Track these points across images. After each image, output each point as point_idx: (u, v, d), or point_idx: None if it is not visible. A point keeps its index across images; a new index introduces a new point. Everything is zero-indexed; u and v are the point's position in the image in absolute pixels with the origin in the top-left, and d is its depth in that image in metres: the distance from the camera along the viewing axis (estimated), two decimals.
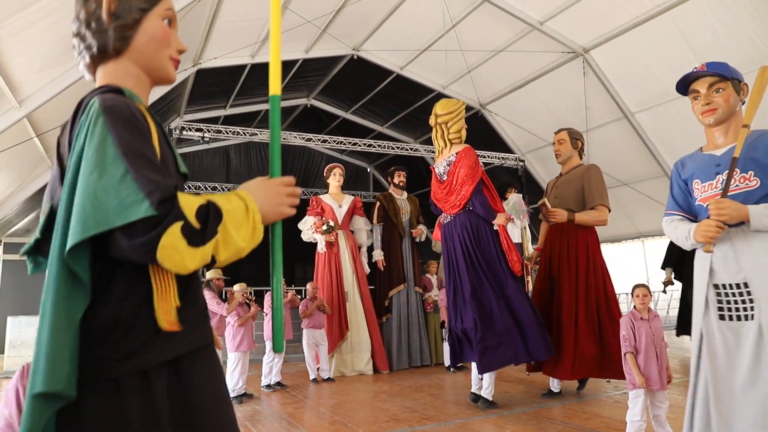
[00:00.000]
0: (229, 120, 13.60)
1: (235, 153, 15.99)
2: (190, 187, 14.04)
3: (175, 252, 1.07)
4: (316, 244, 7.81)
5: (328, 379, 7.05)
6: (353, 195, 8.63)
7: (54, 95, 6.97)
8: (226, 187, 15.31)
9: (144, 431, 1.11)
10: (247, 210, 1.21)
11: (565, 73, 10.58)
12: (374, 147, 12.17)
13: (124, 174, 1.07)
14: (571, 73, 10.48)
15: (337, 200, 7.87)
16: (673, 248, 7.53)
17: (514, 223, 8.45)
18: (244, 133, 10.52)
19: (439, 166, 5.34)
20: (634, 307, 3.66)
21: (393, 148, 12.43)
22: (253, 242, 1.21)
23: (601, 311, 5.06)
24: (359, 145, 12.08)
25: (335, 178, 7.96)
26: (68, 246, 1.07)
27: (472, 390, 5.18)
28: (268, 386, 6.49)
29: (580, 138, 5.51)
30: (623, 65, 9.78)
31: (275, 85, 1.46)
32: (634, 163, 11.17)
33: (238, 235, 1.17)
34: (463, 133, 5.33)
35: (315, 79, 13.05)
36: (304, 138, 11.21)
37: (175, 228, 1.07)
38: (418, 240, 8.19)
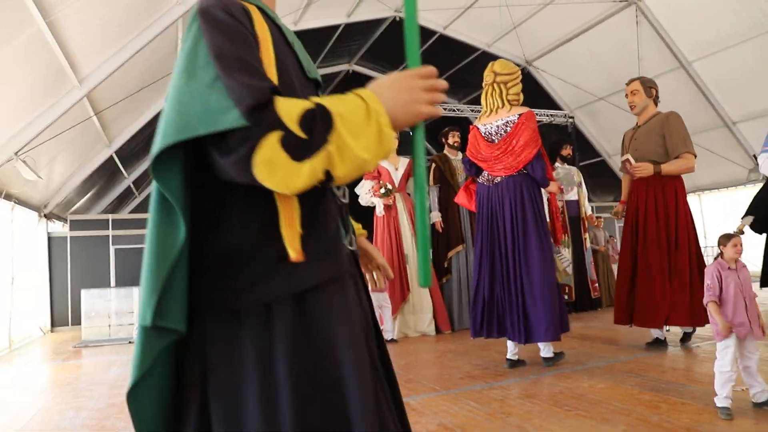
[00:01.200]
0: None
1: None
2: None
3: (275, 168, 0.91)
4: (373, 208, 7.85)
5: (391, 341, 7.15)
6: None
7: (112, 72, 7.10)
8: None
9: (259, 371, 1.01)
10: (368, 112, 0.99)
11: (617, 23, 10.21)
12: None
13: (214, 79, 0.94)
14: (622, 23, 10.11)
15: (393, 163, 7.86)
16: (761, 198, 7.23)
17: (563, 193, 8.36)
18: None
19: (490, 126, 5.18)
20: (721, 256, 3.57)
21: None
22: (380, 152, 1.00)
23: (692, 260, 5.00)
24: None
25: None
26: (150, 160, 0.97)
27: (508, 357, 5.12)
28: None
29: (654, 86, 5.34)
30: (679, 11, 9.37)
31: None
32: (691, 114, 10.73)
33: (358, 144, 0.96)
34: (521, 97, 5.21)
35: (357, 44, 12.94)
36: None
37: (272, 139, 0.91)
38: None
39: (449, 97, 14.90)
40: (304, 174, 0.93)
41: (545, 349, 5.01)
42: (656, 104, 5.36)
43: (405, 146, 17.88)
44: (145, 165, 12.66)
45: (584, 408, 3.65)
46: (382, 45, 12.71)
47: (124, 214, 12.75)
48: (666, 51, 10.08)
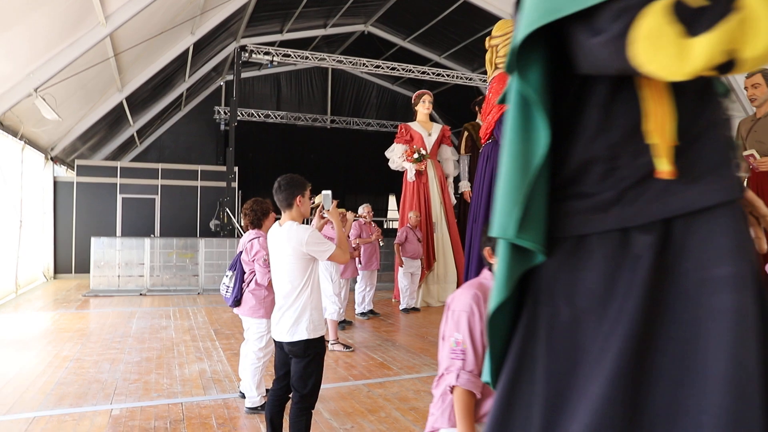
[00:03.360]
0: (284, 45, 13.23)
1: (286, 81, 15.66)
2: (242, 114, 13.87)
3: (660, 44, 0.72)
4: (401, 173, 7.66)
5: (414, 309, 7.04)
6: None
7: (139, 11, 6.70)
8: (277, 115, 15.12)
9: (608, 309, 0.84)
10: None
11: None
12: (428, 75, 11.79)
13: None
14: None
15: (426, 128, 7.64)
16: None
17: None
18: (312, 57, 10.19)
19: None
20: None
21: (447, 76, 12.07)
22: None
23: None
24: (413, 72, 11.70)
25: (424, 105, 7.69)
26: (510, 53, 0.84)
27: None
28: (363, 314, 6.50)
29: None
30: None
31: None
32: None
33: None
34: None
35: (375, 4, 12.52)
36: (355, 63, 10.84)
37: (659, 7, 0.72)
38: None
39: (462, 65, 14.59)
40: (698, 53, 0.70)
41: None
42: None
43: (402, 114, 17.61)
44: (150, 114, 12.20)
45: None
46: (402, 7, 12.31)
47: (133, 163, 12.36)
48: None
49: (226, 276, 3.56)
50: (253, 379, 3.31)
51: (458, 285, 7.59)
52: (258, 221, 3.52)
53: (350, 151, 15.24)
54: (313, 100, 16.04)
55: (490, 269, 1.76)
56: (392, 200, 16.76)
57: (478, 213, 4.91)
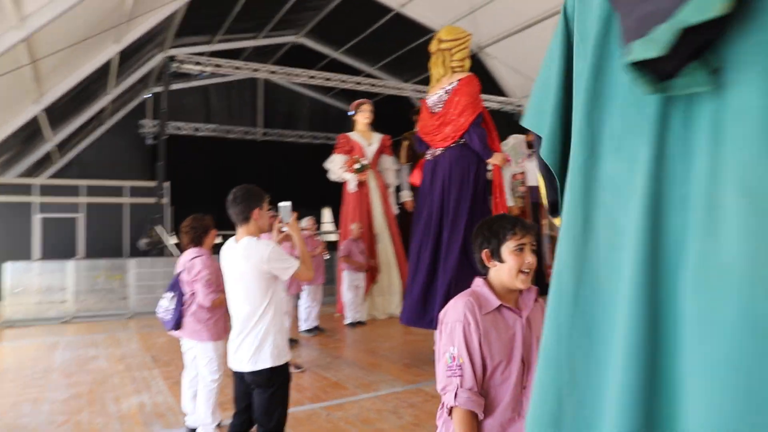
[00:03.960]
0: (214, 56, 12.82)
1: (215, 93, 15.19)
2: (170, 127, 13.30)
3: None
4: (336, 186, 7.49)
5: (360, 323, 6.88)
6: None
7: (60, 14, 6.23)
8: (207, 128, 14.60)
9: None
10: None
11: None
12: (362, 85, 11.74)
13: None
14: None
15: (366, 138, 7.52)
16: None
17: (510, 165, 8.29)
18: (245, 67, 9.88)
19: (433, 97, 4.90)
20: None
21: (382, 87, 12.10)
22: None
23: None
24: (347, 83, 11.62)
25: (363, 115, 7.57)
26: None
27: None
28: (308, 331, 6.27)
29: None
30: None
31: None
32: None
33: None
34: (467, 63, 4.97)
35: (308, 15, 12.36)
36: (289, 74, 10.64)
37: None
38: None
39: (394, 77, 14.63)
40: None
41: None
42: None
43: (334, 126, 17.55)
44: (71, 127, 11.43)
45: None
46: (331, 20, 12.21)
47: (53, 180, 11.52)
48: None
49: (164, 298, 3.32)
50: (207, 402, 3.08)
51: (403, 297, 7.47)
52: (198, 239, 3.33)
53: (283, 164, 14.89)
54: (244, 113, 15.63)
55: (483, 276, 1.61)
56: (327, 213, 16.51)
57: (437, 221, 4.71)
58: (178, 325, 3.20)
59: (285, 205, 2.50)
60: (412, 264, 4.81)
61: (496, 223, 1.60)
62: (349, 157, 7.27)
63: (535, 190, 8.57)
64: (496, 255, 1.56)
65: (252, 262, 2.22)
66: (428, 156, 4.95)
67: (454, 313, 1.53)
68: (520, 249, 1.54)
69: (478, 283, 1.61)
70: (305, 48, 13.88)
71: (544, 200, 1.23)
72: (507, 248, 1.54)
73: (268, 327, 2.21)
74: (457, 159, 4.66)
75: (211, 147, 14.63)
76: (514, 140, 8.52)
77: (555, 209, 1.18)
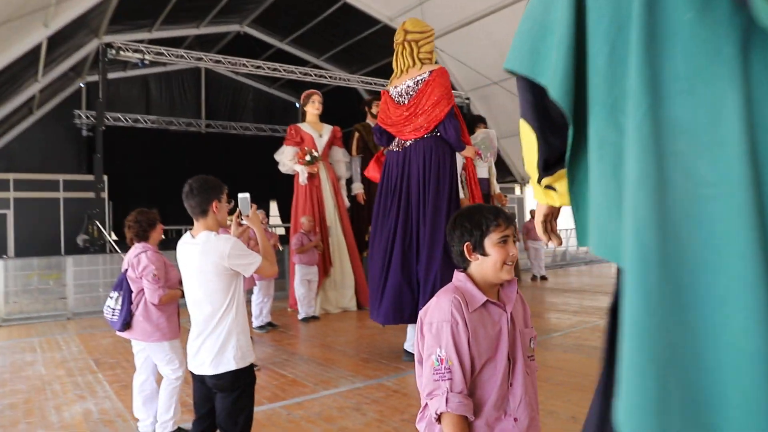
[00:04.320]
0: (154, 44, 12.30)
1: (155, 83, 14.62)
2: (107, 119, 12.70)
3: None
4: (284, 178, 7.33)
5: (313, 317, 6.76)
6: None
7: None
8: (148, 120, 14.03)
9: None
10: None
11: (519, 10, 10.48)
12: (310, 76, 11.55)
13: None
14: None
15: (317, 129, 7.37)
16: None
17: (481, 159, 8.34)
18: (188, 56, 9.51)
19: (401, 87, 4.81)
20: None
21: (330, 78, 11.94)
22: None
23: None
24: (295, 73, 11.40)
25: (314, 106, 7.41)
26: None
27: (406, 348, 4.75)
28: (261, 327, 6.10)
29: None
30: None
31: None
32: None
33: None
34: (434, 56, 4.96)
35: (253, 4, 12.03)
36: (234, 63, 10.34)
37: None
38: None
39: (341, 68, 14.47)
40: None
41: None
42: None
43: (278, 118, 17.32)
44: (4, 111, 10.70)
45: None
46: (279, 7, 11.92)
47: None
48: None
49: (111, 298, 3.13)
50: (170, 399, 2.95)
51: (356, 289, 7.39)
52: (144, 233, 3.16)
53: (227, 157, 14.49)
54: (186, 104, 15.12)
55: (464, 270, 1.53)
56: (273, 206, 16.22)
57: (415, 213, 4.59)
58: (127, 325, 3.03)
59: (244, 196, 2.37)
60: (379, 260, 4.65)
61: (477, 214, 1.51)
62: (299, 148, 7.10)
63: (483, 182, 8.62)
64: (478, 248, 1.49)
65: (211, 259, 2.09)
66: (395, 147, 4.85)
67: (439, 312, 1.45)
68: (503, 241, 1.48)
69: (459, 278, 1.53)
70: (250, 37, 13.53)
71: (531, 162, 1.13)
72: (490, 241, 1.48)
73: (230, 327, 2.08)
74: (431, 150, 4.59)
75: (152, 139, 14.10)
76: (483, 134, 8.53)
77: (548, 167, 1.10)
